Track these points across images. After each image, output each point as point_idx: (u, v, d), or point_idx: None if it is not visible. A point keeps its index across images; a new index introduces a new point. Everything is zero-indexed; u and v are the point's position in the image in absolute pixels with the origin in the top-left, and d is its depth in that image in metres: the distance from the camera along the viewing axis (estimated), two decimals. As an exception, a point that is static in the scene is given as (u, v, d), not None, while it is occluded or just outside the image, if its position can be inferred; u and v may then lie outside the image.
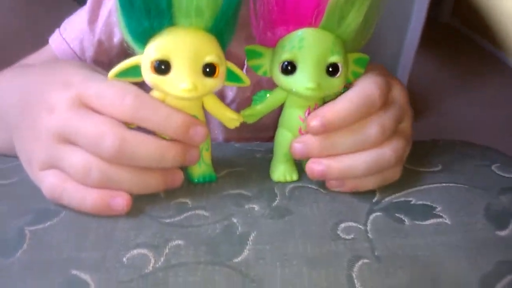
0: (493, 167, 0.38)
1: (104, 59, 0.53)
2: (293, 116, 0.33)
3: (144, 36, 0.29)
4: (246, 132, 0.47)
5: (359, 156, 0.32)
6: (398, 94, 0.34)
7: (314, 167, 0.32)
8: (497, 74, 2.55)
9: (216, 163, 0.36)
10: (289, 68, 0.30)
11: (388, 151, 0.32)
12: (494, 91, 2.35)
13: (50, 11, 0.88)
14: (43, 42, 0.55)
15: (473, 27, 2.91)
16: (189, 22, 0.28)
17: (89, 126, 0.28)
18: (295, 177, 0.35)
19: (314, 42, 0.30)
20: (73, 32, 0.53)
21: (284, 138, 0.34)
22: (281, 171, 0.35)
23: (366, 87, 0.32)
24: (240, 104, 0.53)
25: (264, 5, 0.30)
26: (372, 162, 0.32)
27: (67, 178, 0.30)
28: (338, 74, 0.31)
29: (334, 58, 0.30)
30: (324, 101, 0.33)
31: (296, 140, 0.33)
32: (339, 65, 0.30)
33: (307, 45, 0.30)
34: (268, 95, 0.33)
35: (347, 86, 0.33)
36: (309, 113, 0.32)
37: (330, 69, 0.30)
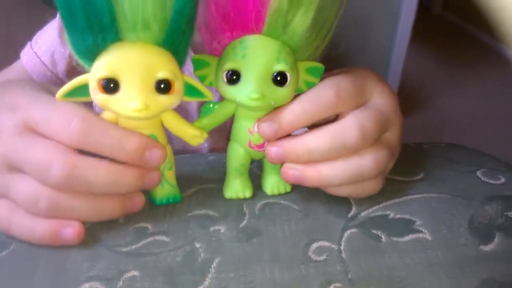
0: (478, 173, 0.36)
1: (76, 72, 0.51)
2: (242, 129, 0.31)
3: (90, 53, 0.27)
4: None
5: (338, 165, 0.29)
6: (381, 97, 0.32)
7: (288, 172, 0.30)
8: (491, 65, 2.53)
9: (184, 180, 0.33)
10: (233, 77, 0.28)
11: (369, 162, 0.29)
12: (489, 83, 2.33)
13: (31, 21, 0.86)
14: (19, 54, 0.53)
15: (466, 18, 2.90)
16: (136, 36, 0.26)
17: (36, 153, 0.26)
18: (248, 193, 0.33)
19: (258, 49, 0.28)
20: (44, 45, 0.51)
21: (235, 152, 0.32)
22: (233, 188, 0.33)
23: (321, 89, 0.29)
24: None
25: (207, 12, 0.28)
26: (351, 172, 0.29)
27: (16, 208, 0.28)
28: (286, 84, 0.28)
29: (280, 67, 0.28)
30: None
31: (272, 143, 0.30)
32: (287, 74, 0.28)
33: (250, 53, 0.28)
34: (216, 106, 0.31)
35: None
36: (258, 125, 0.30)
37: (278, 78, 0.28)
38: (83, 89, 0.27)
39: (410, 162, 0.38)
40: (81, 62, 0.28)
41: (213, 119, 0.32)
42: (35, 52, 0.51)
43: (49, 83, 0.51)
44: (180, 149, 0.38)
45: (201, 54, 0.30)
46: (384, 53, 1.81)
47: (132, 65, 0.26)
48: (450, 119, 2.05)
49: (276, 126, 0.29)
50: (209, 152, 0.51)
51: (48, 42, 0.51)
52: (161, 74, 0.27)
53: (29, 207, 0.27)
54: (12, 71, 0.52)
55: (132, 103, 0.26)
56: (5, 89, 0.31)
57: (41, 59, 0.51)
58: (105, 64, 0.26)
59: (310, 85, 0.30)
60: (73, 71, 0.50)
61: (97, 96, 0.27)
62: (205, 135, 0.31)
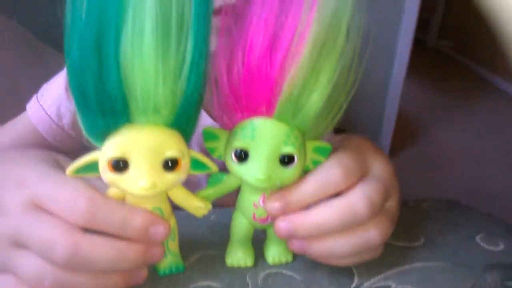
0: (477, 238, 0.37)
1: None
2: (248, 202, 0.32)
3: (101, 134, 0.27)
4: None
5: (344, 240, 0.30)
6: (380, 168, 0.32)
7: (294, 243, 0.31)
8: (486, 97, 2.56)
9: (187, 244, 0.34)
10: (242, 156, 0.29)
11: (375, 234, 0.30)
12: (485, 115, 2.36)
13: (37, 73, 0.87)
14: (26, 104, 0.54)
15: (461, 50, 2.95)
16: (147, 119, 0.27)
17: (41, 231, 0.26)
18: (249, 262, 0.33)
19: (267, 133, 0.29)
20: (50, 98, 0.52)
21: (239, 222, 0.33)
22: (235, 256, 0.33)
23: (328, 169, 0.30)
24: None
25: (220, 89, 0.29)
26: (357, 245, 0.30)
27: (21, 285, 0.28)
28: (293, 165, 0.29)
29: (288, 149, 0.29)
30: (281, 187, 0.31)
31: (281, 218, 0.30)
32: (294, 156, 0.29)
33: (259, 135, 0.29)
34: (224, 178, 0.32)
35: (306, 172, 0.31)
36: (263, 200, 0.31)
37: (285, 160, 0.29)
38: (92, 165, 0.28)
39: (409, 225, 0.38)
40: (91, 140, 0.28)
41: (219, 190, 0.32)
42: (41, 105, 0.52)
43: (54, 135, 0.52)
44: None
45: (212, 127, 0.31)
46: (380, 86, 1.83)
47: (142, 146, 0.27)
48: (446, 152, 2.07)
49: (284, 205, 0.30)
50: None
51: (55, 96, 0.51)
52: (169, 153, 0.28)
53: (34, 285, 0.27)
54: (19, 123, 0.53)
55: (141, 182, 0.27)
56: (12, 161, 0.31)
57: (47, 113, 0.51)
58: (115, 145, 0.27)
59: (316, 164, 0.31)
60: (77, 124, 0.51)
61: (107, 175, 0.27)
62: (209, 206, 0.32)
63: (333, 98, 0.29)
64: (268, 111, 0.29)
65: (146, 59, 0.25)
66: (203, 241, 0.36)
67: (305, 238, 0.30)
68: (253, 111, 0.29)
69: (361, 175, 0.31)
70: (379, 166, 0.33)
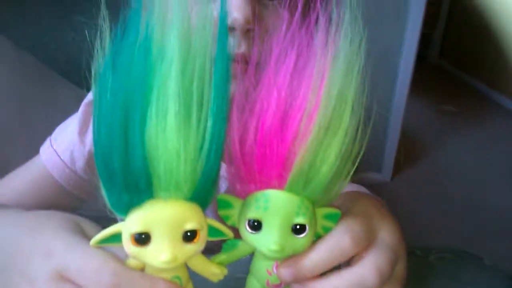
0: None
1: (95, 169, 0.53)
2: (261, 268, 0.33)
3: (125, 209, 0.29)
4: None
5: None
6: (388, 235, 0.34)
7: None
8: (489, 114, 2.57)
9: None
10: (255, 226, 0.30)
11: None
12: (486, 132, 2.37)
13: (45, 101, 0.88)
14: (34, 131, 0.55)
15: (462, 67, 2.96)
16: (169, 195, 0.28)
17: None
18: None
19: (280, 204, 0.30)
20: (63, 143, 0.53)
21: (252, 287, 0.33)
22: None
23: (338, 237, 0.31)
24: None
25: (234, 159, 0.31)
26: None
27: None
28: (304, 234, 0.30)
29: (299, 220, 0.30)
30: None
31: (295, 286, 0.32)
32: (306, 225, 0.30)
33: (272, 206, 0.30)
34: (238, 244, 0.33)
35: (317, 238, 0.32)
36: (277, 267, 0.32)
37: (297, 227, 0.30)
38: (115, 237, 0.29)
39: (417, 282, 0.39)
40: (114, 213, 0.29)
41: (233, 256, 0.33)
42: (55, 150, 0.53)
43: (68, 179, 0.53)
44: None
45: (226, 195, 0.32)
46: (383, 104, 1.84)
47: (163, 220, 0.28)
48: (448, 168, 2.07)
49: (296, 272, 0.31)
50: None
51: (68, 141, 0.53)
52: (189, 226, 0.29)
53: None
54: (32, 167, 0.54)
55: (162, 255, 0.28)
56: (36, 228, 0.32)
57: (61, 157, 0.52)
58: (138, 220, 0.28)
59: (327, 230, 0.32)
60: (90, 167, 0.52)
61: (130, 248, 0.28)
62: (225, 272, 0.33)
63: (341, 168, 0.30)
64: (280, 184, 0.30)
65: (169, 139, 0.26)
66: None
67: None
68: (266, 184, 0.30)
69: (370, 242, 0.32)
70: (387, 232, 0.34)
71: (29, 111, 0.84)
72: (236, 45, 0.38)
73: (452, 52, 3.06)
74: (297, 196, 0.30)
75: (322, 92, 0.28)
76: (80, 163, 0.52)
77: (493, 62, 2.69)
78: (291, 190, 0.30)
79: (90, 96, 0.54)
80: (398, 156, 1.97)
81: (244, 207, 0.31)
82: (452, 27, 3.04)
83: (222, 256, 0.33)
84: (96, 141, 0.27)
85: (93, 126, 0.27)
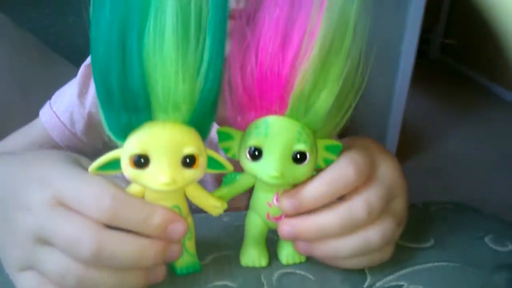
0: (486, 240, 0.37)
1: (94, 131, 0.53)
2: (261, 201, 0.33)
3: (123, 131, 0.29)
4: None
5: (344, 241, 0.31)
6: (386, 170, 0.33)
7: (299, 245, 0.32)
8: (490, 107, 2.57)
9: (201, 245, 0.34)
10: (255, 153, 0.30)
11: (375, 236, 0.31)
12: (488, 125, 2.37)
13: (45, 77, 0.88)
14: (36, 111, 0.55)
15: (463, 61, 2.97)
16: (167, 116, 0.28)
17: (66, 228, 0.27)
18: (263, 262, 0.34)
19: (280, 130, 0.30)
20: (63, 105, 0.53)
21: (253, 222, 0.33)
22: (249, 256, 0.34)
23: (341, 167, 0.31)
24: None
25: (234, 90, 0.31)
26: (358, 247, 0.31)
27: (45, 281, 0.29)
28: (305, 162, 0.30)
29: (300, 147, 0.30)
30: (294, 186, 0.32)
31: (284, 221, 0.32)
32: (306, 153, 0.30)
33: (272, 132, 0.30)
34: (238, 177, 0.33)
35: (318, 171, 0.32)
36: (277, 198, 0.32)
37: (298, 157, 0.30)
38: (114, 163, 0.29)
39: (419, 227, 0.39)
40: (112, 138, 0.29)
41: (233, 189, 0.33)
42: (54, 112, 0.53)
43: (67, 141, 0.53)
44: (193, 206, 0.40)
45: (226, 127, 0.32)
46: (385, 97, 1.84)
47: (162, 143, 0.28)
48: (450, 161, 2.07)
49: (298, 203, 0.31)
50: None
51: (68, 103, 0.53)
52: (188, 150, 0.29)
53: (58, 281, 0.28)
54: (32, 129, 0.54)
55: (161, 177, 0.28)
56: (33, 161, 0.32)
57: (60, 119, 0.52)
58: (137, 142, 0.28)
59: (328, 162, 0.32)
60: (90, 129, 0.52)
61: (128, 171, 0.28)
62: (225, 206, 0.33)
63: (342, 97, 0.30)
64: (280, 109, 0.30)
65: (167, 57, 0.26)
66: (217, 243, 0.37)
67: (308, 240, 0.31)
68: (266, 110, 0.30)
69: (369, 176, 0.32)
70: (386, 168, 0.34)
71: (30, 91, 0.84)
72: None
73: (453, 47, 3.06)
74: (298, 123, 0.30)
75: (323, 11, 0.28)
76: (79, 125, 0.53)
77: (494, 56, 2.69)
78: (292, 116, 0.30)
79: (89, 59, 0.54)
80: (399, 150, 1.97)
81: (244, 137, 0.31)
82: (453, 21, 3.04)
83: (223, 190, 0.33)
84: (94, 59, 0.27)
85: (91, 44, 0.27)
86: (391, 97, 1.87)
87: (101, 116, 0.29)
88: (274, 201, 0.32)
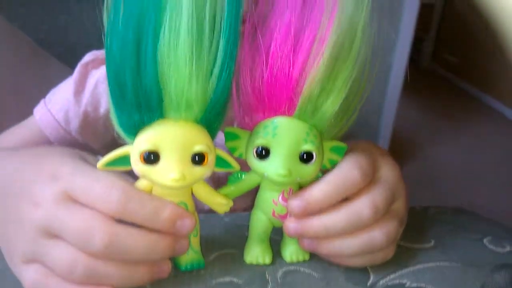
0: (485, 241, 0.38)
1: (89, 130, 0.52)
2: (267, 199, 0.33)
3: (134, 129, 0.29)
4: None
5: (350, 240, 0.31)
6: (388, 173, 0.34)
7: (305, 242, 0.32)
8: (479, 116, 2.61)
9: (205, 243, 0.35)
10: (263, 153, 0.31)
11: (379, 235, 0.31)
12: (478, 133, 2.40)
13: (37, 77, 0.88)
14: (29, 112, 0.55)
15: (454, 70, 3.01)
16: (179, 115, 0.29)
17: (77, 221, 0.27)
18: (267, 260, 0.34)
19: (288, 130, 0.30)
20: (58, 103, 0.52)
21: (258, 220, 0.34)
22: (253, 254, 0.34)
23: (347, 170, 0.32)
24: None
25: (242, 91, 0.31)
26: (362, 246, 0.31)
27: (50, 274, 0.28)
28: (312, 162, 0.31)
29: (307, 147, 0.30)
30: (300, 186, 0.33)
31: (290, 219, 0.32)
32: (313, 153, 0.31)
33: (280, 133, 0.30)
34: (243, 176, 0.33)
35: (324, 172, 0.32)
36: (283, 197, 0.32)
37: (304, 157, 0.31)
38: (123, 159, 0.29)
39: (419, 228, 0.40)
40: (122, 135, 0.29)
41: (239, 188, 0.33)
42: (49, 110, 0.52)
43: (61, 140, 0.52)
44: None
45: (233, 127, 0.32)
46: (375, 105, 1.86)
47: (173, 140, 0.28)
48: (440, 169, 2.09)
49: (305, 204, 0.31)
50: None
51: (63, 101, 0.52)
52: (197, 148, 0.29)
53: (65, 274, 0.28)
54: (26, 127, 0.53)
55: (171, 173, 0.28)
56: (42, 155, 0.32)
57: (55, 117, 0.52)
58: (148, 139, 0.28)
59: (333, 163, 0.32)
60: (85, 128, 0.52)
61: (138, 167, 0.29)
62: (231, 204, 0.33)
63: (348, 100, 0.31)
64: (289, 111, 0.31)
65: (181, 57, 0.27)
66: (220, 241, 0.37)
67: (313, 238, 0.32)
68: (275, 111, 0.31)
69: (373, 177, 0.33)
70: (387, 170, 0.35)
71: (23, 89, 0.84)
72: None
73: (444, 56, 3.10)
74: (305, 124, 0.31)
75: (333, 17, 0.29)
76: (74, 124, 0.52)
77: (484, 66, 2.73)
78: (299, 117, 0.30)
79: (86, 58, 0.53)
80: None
81: (252, 136, 0.32)
82: (445, 31, 3.09)
83: (229, 188, 0.34)
84: (108, 57, 0.27)
85: (106, 42, 0.27)
86: (382, 105, 1.89)
87: (112, 113, 0.29)
88: (280, 199, 0.32)
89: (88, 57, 0.54)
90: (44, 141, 0.52)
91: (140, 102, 0.28)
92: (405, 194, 0.35)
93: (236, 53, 0.29)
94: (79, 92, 0.52)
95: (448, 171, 2.09)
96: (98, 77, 0.52)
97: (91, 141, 0.54)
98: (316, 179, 0.32)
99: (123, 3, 0.26)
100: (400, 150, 2.16)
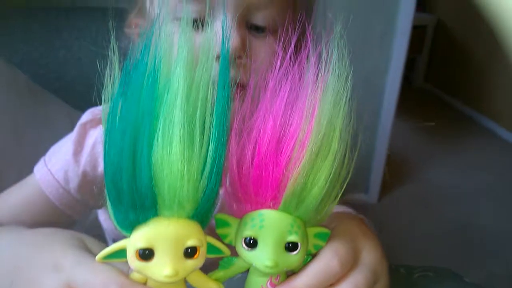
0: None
1: (88, 188, 0.54)
2: (256, 284, 0.35)
3: (130, 225, 0.31)
4: None
5: None
6: (369, 255, 0.36)
7: None
8: (473, 136, 2.63)
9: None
10: (251, 243, 0.33)
11: None
12: (472, 153, 2.42)
13: (36, 116, 0.89)
14: (29, 153, 0.56)
15: (447, 90, 3.04)
16: (172, 213, 0.30)
17: None
18: None
19: (274, 223, 0.32)
20: (58, 163, 0.54)
21: None
22: None
23: (326, 261, 0.34)
24: None
25: (231, 181, 0.33)
26: None
27: None
28: (297, 251, 0.33)
29: (292, 238, 0.32)
30: (287, 271, 0.34)
31: None
32: (298, 243, 0.33)
33: (267, 225, 0.32)
34: (234, 261, 0.35)
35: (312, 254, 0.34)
36: (271, 283, 0.34)
37: (290, 246, 0.33)
38: (120, 252, 0.31)
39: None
40: (119, 230, 0.31)
41: (229, 272, 0.35)
42: (49, 170, 0.54)
43: (61, 198, 0.54)
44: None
45: (224, 214, 0.34)
46: (370, 126, 1.87)
47: (167, 237, 0.30)
48: (435, 190, 2.11)
49: None
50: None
51: (62, 161, 0.54)
52: (190, 243, 0.31)
53: None
54: (26, 186, 0.55)
55: (165, 270, 0.30)
56: (44, 244, 0.34)
57: (55, 177, 0.54)
58: (143, 237, 0.30)
59: (317, 248, 0.34)
60: (84, 187, 0.54)
61: (134, 263, 0.30)
62: (222, 287, 0.35)
63: (330, 190, 0.33)
64: (274, 205, 0.33)
65: (174, 163, 0.29)
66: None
67: None
68: (261, 204, 0.33)
69: (353, 263, 0.35)
70: (369, 252, 0.36)
71: (22, 130, 0.85)
72: None
73: (437, 75, 3.14)
74: (290, 216, 0.33)
75: (313, 121, 0.31)
76: (74, 183, 0.54)
77: (477, 86, 2.76)
78: (284, 210, 0.32)
79: (84, 117, 0.56)
80: (385, 178, 2.00)
81: (240, 226, 0.33)
82: (437, 50, 3.13)
83: (219, 273, 0.35)
84: (106, 163, 0.29)
85: (104, 149, 0.29)
86: (377, 126, 1.91)
87: (109, 211, 0.31)
88: (268, 284, 0.34)
89: (86, 116, 0.56)
90: (44, 200, 0.54)
91: (136, 203, 0.29)
92: (386, 273, 0.37)
93: (224, 155, 0.31)
94: (78, 152, 0.54)
95: (443, 190, 2.11)
96: (96, 137, 0.54)
97: (90, 199, 0.56)
98: (303, 264, 0.34)
99: (120, 114, 0.29)
100: (395, 171, 2.18)
